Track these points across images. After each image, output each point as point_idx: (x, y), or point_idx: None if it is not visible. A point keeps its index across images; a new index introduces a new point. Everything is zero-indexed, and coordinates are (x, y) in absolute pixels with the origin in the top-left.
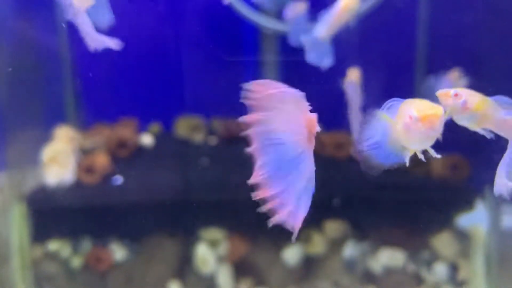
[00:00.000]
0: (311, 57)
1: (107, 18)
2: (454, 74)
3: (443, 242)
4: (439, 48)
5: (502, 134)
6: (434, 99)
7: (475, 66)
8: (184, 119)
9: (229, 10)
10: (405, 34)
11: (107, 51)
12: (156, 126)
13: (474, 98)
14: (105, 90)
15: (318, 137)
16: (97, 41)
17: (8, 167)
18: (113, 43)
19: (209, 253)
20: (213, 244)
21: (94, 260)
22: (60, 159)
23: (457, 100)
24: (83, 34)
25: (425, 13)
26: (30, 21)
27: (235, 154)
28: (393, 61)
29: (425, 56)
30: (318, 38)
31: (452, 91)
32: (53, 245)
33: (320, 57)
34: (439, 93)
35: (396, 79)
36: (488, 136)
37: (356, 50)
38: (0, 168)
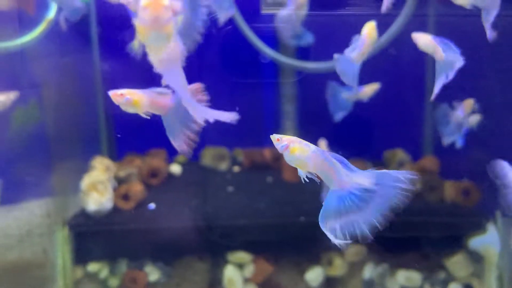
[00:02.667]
0: (342, 77)
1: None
2: (468, 103)
3: (457, 264)
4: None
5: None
6: (447, 126)
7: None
8: (209, 149)
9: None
10: (416, 64)
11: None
12: (182, 157)
13: (294, 144)
14: (135, 124)
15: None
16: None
17: (54, 194)
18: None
19: (236, 274)
20: (240, 266)
21: (130, 281)
22: (98, 187)
23: (279, 144)
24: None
25: None
26: (71, 65)
27: (256, 181)
28: (404, 90)
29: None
30: (349, 60)
31: (276, 136)
32: (93, 267)
33: (348, 78)
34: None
35: (407, 107)
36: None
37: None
38: (47, 195)
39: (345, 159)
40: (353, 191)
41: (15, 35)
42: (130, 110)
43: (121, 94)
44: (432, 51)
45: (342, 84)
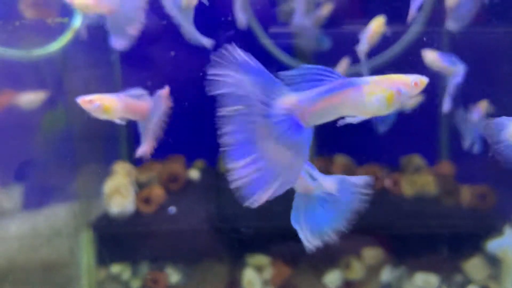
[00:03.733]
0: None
1: None
2: (483, 104)
3: (475, 266)
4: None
5: None
6: (465, 129)
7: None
8: None
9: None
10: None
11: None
12: (200, 162)
13: None
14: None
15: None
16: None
17: (79, 197)
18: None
19: (255, 277)
20: (258, 268)
21: (151, 282)
22: (121, 190)
23: None
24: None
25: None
26: (94, 72)
27: None
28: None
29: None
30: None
31: None
32: (116, 268)
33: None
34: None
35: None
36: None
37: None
38: (73, 197)
39: (311, 164)
40: (318, 195)
41: (43, 43)
42: (103, 116)
43: (90, 100)
44: (438, 68)
45: None
